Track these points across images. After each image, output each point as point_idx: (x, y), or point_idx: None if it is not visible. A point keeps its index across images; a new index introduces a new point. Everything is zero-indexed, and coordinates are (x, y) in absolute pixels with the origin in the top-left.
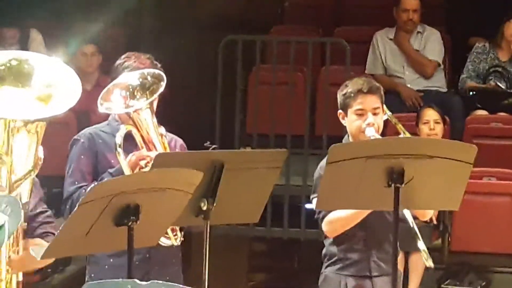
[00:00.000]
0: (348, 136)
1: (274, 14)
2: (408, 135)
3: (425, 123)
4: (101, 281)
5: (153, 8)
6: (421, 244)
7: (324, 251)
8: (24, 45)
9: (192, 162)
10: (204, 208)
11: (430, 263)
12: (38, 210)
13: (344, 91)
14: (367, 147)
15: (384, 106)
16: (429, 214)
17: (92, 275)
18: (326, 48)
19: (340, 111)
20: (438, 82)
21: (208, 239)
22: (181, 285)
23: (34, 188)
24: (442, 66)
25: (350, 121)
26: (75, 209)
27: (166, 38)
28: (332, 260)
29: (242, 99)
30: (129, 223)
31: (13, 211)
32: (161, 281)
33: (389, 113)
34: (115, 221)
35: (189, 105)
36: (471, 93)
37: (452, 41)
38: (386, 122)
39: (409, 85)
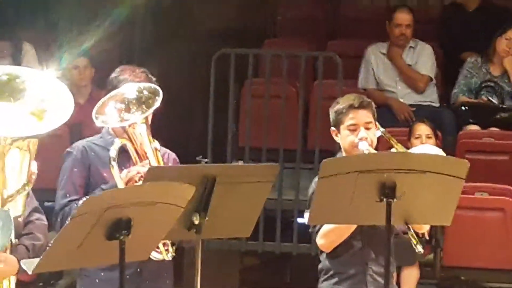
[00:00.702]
0: (342, 153)
1: (267, 27)
2: (402, 149)
3: (417, 137)
4: None
5: (146, 21)
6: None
7: (320, 266)
8: (16, 58)
9: (184, 176)
10: (196, 222)
11: (419, 248)
12: (28, 219)
13: (336, 108)
14: (359, 162)
15: (377, 122)
16: (426, 227)
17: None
18: (318, 62)
19: (333, 128)
20: (430, 97)
21: (200, 253)
22: None
23: (30, 199)
24: (434, 81)
25: (343, 137)
26: (67, 222)
27: (158, 51)
28: (328, 275)
29: (235, 113)
30: (121, 237)
31: (4, 225)
32: None
33: (382, 129)
34: (107, 234)
35: (181, 118)
36: (463, 108)
37: (444, 56)
38: (378, 139)
39: (401, 100)
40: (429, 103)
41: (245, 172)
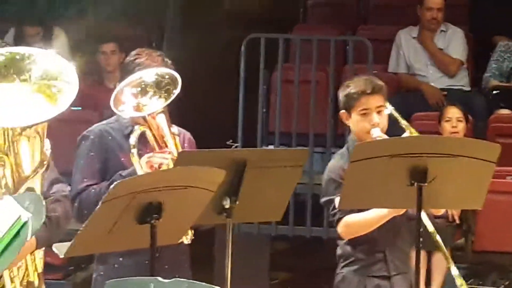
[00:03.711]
0: (353, 135)
1: (297, 12)
2: (413, 131)
3: (447, 120)
4: (123, 278)
5: (176, 6)
6: (454, 270)
7: (339, 251)
8: (47, 43)
9: (215, 161)
10: (227, 206)
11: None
12: (47, 193)
13: (347, 92)
14: (391, 146)
15: (387, 102)
16: (442, 209)
17: (101, 273)
18: (348, 47)
19: (342, 111)
20: (462, 81)
21: (231, 237)
22: (204, 283)
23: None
24: (465, 65)
25: (354, 122)
26: (98, 206)
27: (188, 36)
28: (349, 261)
29: (265, 98)
30: (152, 221)
31: (36, 208)
32: (183, 279)
33: (390, 107)
34: (138, 219)
35: (211, 103)
36: (494, 92)
37: (475, 40)
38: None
39: (432, 84)
40: (460, 87)
41: (275, 156)
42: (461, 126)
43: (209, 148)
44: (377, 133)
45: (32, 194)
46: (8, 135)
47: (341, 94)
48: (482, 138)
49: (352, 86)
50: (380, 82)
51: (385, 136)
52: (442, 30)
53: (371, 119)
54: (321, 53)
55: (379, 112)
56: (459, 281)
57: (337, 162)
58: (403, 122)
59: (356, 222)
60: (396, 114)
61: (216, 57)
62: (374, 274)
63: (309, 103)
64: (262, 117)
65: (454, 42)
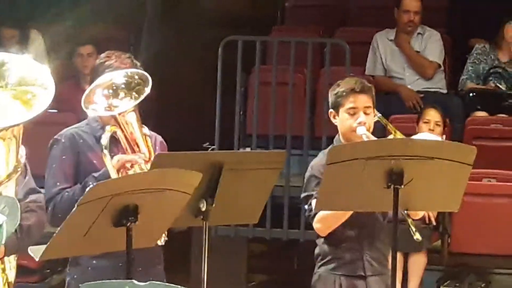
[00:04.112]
0: (339, 135)
1: (275, 14)
2: (399, 135)
3: (425, 122)
4: (97, 282)
5: (153, 7)
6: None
7: (316, 250)
8: (23, 46)
9: (191, 163)
10: (203, 209)
11: (417, 236)
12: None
13: (336, 90)
14: (367, 148)
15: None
16: (421, 213)
17: (75, 276)
18: (326, 49)
19: (331, 110)
20: (438, 83)
21: (207, 240)
22: (179, 286)
23: (27, 181)
24: (442, 68)
25: (341, 120)
26: (74, 209)
27: (166, 38)
28: (325, 260)
29: (242, 100)
30: (128, 224)
31: (11, 211)
32: (158, 282)
33: (379, 114)
34: (114, 221)
35: (188, 105)
36: (471, 94)
37: (452, 42)
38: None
39: (409, 86)
40: (437, 89)
41: (252, 159)
42: (439, 130)
43: (186, 150)
44: (363, 131)
45: (7, 197)
46: None
47: (331, 93)
48: (459, 141)
49: (342, 85)
50: (369, 84)
51: (371, 136)
52: (419, 33)
53: (358, 117)
54: (298, 55)
55: (366, 113)
56: (416, 235)
57: (320, 160)
58: (390, 126)
59: (328, 215)
60: (384, 121)
61: (194, 58)
62: (349, 273)
63: (286, 105)
64: (239, 119)
65: (430, 44)
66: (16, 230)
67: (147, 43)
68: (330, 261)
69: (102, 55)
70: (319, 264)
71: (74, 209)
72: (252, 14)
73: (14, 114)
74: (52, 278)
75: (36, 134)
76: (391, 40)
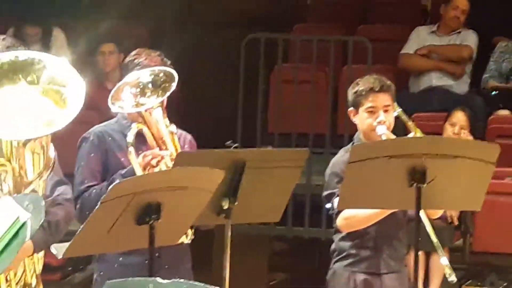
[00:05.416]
0: (359, 133)
1: (297, 12)
2: (419, 132)
3: (451, 124)
4: (122, 279)
5: (176, 5)
6: (443, 260)
7: (333, 246)
8: (46, 43)
9: (214, 161)
10: (226, 207)
11: (453, 278)
12: (49, 195)
13: (355, 89)
14: (390, 146)
15: (395, 103)
16: (439, 213)
17: (101, 273)
18: (348, 47)
19: (351, 108)
20: (462, 82)
21: (229, 238)
22: (202, 284)
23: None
24: (474, 57)
25: (361, 119)
26: (97, 207)
27: (188, 36)
28: (341, 256)
29: (264, 98)
30: (151, 222)
31: (35, 208)
32: (182, 280)
33: (399, 109)
34: (137, 219)
35: (211, 103)
36: (493, 92)
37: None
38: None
39: (434, 80)
40: (460, 88)
41: (274, 157)
42: (464, 134)
43: (208, 148)
44: (383, 131)
45: (31, 194)
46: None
47: (350, 92)
48: (481, 139)
49: (361, 84)
50: (389, 82)
51: (391, 134)
52: (458, 31)
53: (377, 116)
54: (321, 53)
55: (386, 111)
56: (448, 270)
57: (341, 156)
58: (410, 124)
59: (356, 216)
60: (404, 116)
61: (216, 57)
62: (365, 270)
63: (308, 103)
64: (261, 117)
65: (466, 42)
66: (43, 226)
67: (168, 42)
68: (346, 257)
69: (132, 52)
70: (335, 260)
71: (97, 206)
72: (274, 12)
73: (47, 113)
74: (74, 276)
75: (57, 133)
76: (432, 32)
